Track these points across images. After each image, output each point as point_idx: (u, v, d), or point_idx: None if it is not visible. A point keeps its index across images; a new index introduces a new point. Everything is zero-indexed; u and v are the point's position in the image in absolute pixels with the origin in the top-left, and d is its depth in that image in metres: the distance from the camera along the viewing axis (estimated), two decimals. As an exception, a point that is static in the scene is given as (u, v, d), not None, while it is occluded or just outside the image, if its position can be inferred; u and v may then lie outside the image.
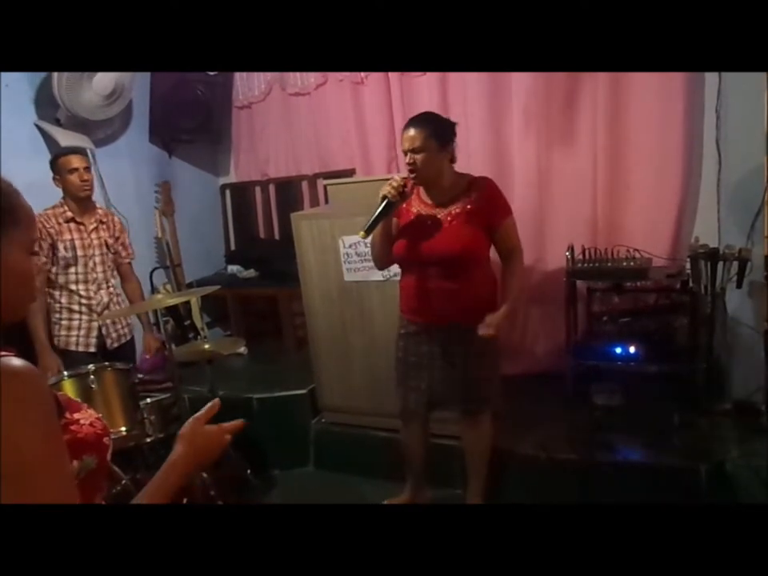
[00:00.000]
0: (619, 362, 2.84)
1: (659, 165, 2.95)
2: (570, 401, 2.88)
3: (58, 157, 2.75)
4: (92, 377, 2.27)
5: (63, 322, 2.76)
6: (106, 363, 2.46)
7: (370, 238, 2.16)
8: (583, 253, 2.92)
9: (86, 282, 2.77)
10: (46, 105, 3.25)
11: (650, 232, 2.99)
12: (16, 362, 0.78)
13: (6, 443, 0.72)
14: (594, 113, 3.04)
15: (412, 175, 2.06)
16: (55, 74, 3.08)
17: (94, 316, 2.78)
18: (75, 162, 2.70)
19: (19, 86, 3.17)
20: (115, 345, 2.86)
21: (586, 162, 3.11)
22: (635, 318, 2.96)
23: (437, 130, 2.05)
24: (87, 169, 2.74)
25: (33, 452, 0.74)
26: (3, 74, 3.06)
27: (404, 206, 2.17)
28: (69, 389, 2.25)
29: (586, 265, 2.87)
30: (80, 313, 2.77)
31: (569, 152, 3.13)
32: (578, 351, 2.92)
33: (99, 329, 2.81)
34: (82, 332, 2.78)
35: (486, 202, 2.12)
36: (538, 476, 2.51)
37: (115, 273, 2.92)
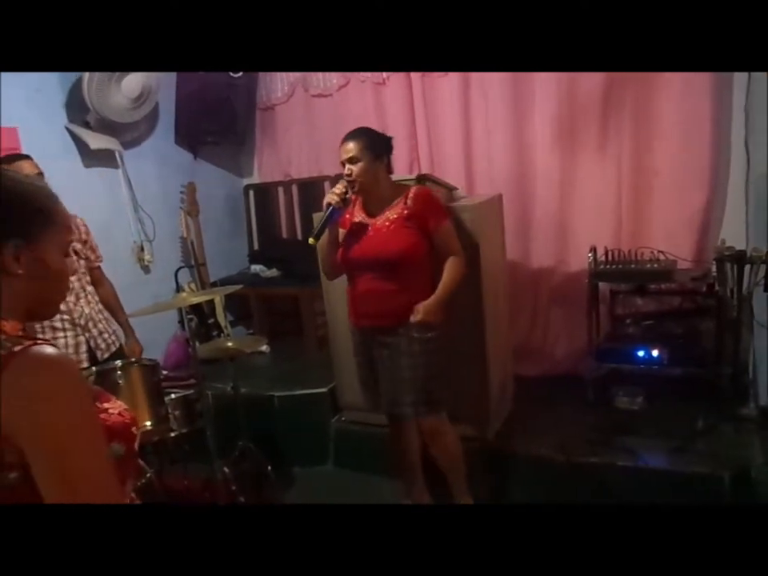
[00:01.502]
0: (642, 365, 2.82)
1: (686, 165, 2.91)
2: (591, 403, 2.86)
3: (7, 162, 2.40)
4: (119, 372, 2.32)
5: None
6: (133, 360, 2.50)
7: (318, 249, 2.31)
8: (606, 254, 2.89)
9: None
10: (76, 108, 3.33)
11: (675, 234, 2.95)
12: (50, 350, 0.83)
13: (45, 428, 0.77)
14: (619, 113, 3.01)
15: (350, 184, 2.17)
16: (85, 78, 3.15)
17: (78, 330, 2.56)
18: (27, 167, 2.41)
19: (51, 90, 3.26)
20: (106, 355, 2.65)
21: (611, 163, 3.08)
22: (659, 321, 2.93)
23: (371, 142, 2.16)
24: (41, 175, 2.41)
25: (71, 435, 0.78)
26: (35, 78, 3.14)
27: (347, 216, 2.28)
28: (96, 384, 2.30)
29: (608, 267, 2.85)
30: (63, 330, 2.52)
31: (592, 153, 3.11)
32: (600, 353, 2.90)
33: (87, 342, 2.59)
34: (71, 350, 2.54)
35: (422, 208, 2.17)
36: (557, 478, 2.50)
37: (87, 279, 2.66)
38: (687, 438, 2.50)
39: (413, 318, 2.11)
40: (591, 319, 2.91)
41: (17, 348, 0.80)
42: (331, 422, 3.17)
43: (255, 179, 4.41)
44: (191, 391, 2.60)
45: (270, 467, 2.79)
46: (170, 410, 2.46)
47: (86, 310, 2.59)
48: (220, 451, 2.48)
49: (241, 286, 2.84)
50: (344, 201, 2.18)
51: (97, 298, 2.70)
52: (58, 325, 2.50)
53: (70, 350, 2.54)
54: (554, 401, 3.02)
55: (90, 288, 2.66)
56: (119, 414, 0.93)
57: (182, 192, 3.89)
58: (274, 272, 4.07)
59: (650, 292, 2.92)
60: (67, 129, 3.35)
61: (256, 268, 4.14)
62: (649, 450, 2.50)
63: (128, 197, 3.61)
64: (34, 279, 0.88)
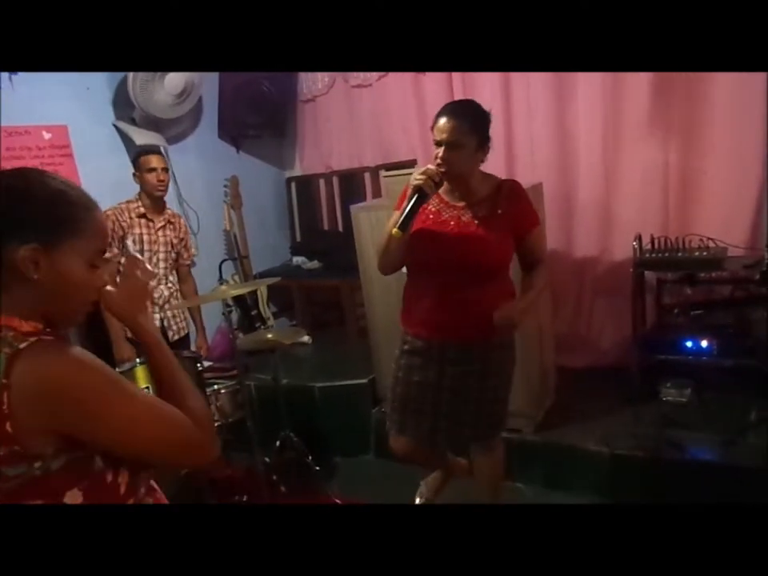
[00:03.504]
0: (690, 357, 2.72)
1: (738, 149, 2.77)
2: (636, 396, 2.78)
3: (140, 155, 2.89)
4: (162, 363, 2.39)
5: None
6: (174, 351, 2.58)
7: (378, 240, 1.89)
8: (652, 242, 2.80)
9: None
10: (122, 105, 3.43)
11: (725, 220, 2.83)
12: (60, 342, 0.85)
13: (81, 406, 0.81)
14: (667, 94, 2.89)
15: (442, 170, 1.76)
16: (130, 75, 3.24)
17: (156, 309, 2.90)
18: (154, 161, 2.84)
19: (99, 88, 3.36)
20: (176, 337, 2.98)
21: (657, 147, 2.97)
22: (708, 311, 2.81)
23: (478, 125, 1.78)
24: (165, 170, 2.86)
25: (105, 399, 0.84)
26: (84, 77, 3.25)
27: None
28: (140, 375, 2.38)
29: (655, 255, 2.75)
30: None
31: (638, 136, 3.00)
32: (646, 344, 2.81)
33: (161, 321, 2.93)
34: None
35: (516, 208, 1.86)
36: (599, 472, 2.45)
37: (174, 270, 3.02)
38: (738, 432, 2.41)
39: (498, 315, 1.77)
40: (637, 309, 2.82)
41: (23, 345, 0.81)
42: (372, 412, 3.19)
43: (297, 172, 4.45)
44: (234, 382, 2.67)
45: (310, 457, 2.83)
46: (213, 401, 2.53)
47: (166, 293, 2.94)
48: (262, 441, 2.53)
49: (279, 278, 2.88)
50: (436, 185, 1.76)
51: (177, 287, 3.02)
52: None
53: None
54: (598, 393, 2.95)
55: (172, 277, 3.00)
56: None
57: (225, 186, 3.96)
58: (315, 264, 4.11)
59: (699, 281, 2.80)
60: (114, 126, 3.46)
61: (298, 260, 4.19)
62: (697, 444, 2.41)
63: (173, 191, 3.70)
64: (51, 286, 0.87)
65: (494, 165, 3.27)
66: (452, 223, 1.85)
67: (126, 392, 0.87)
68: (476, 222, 1.83)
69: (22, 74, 2.96)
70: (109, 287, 1.01)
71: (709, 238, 2.69)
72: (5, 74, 2.93)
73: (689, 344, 2.71)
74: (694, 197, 2.94)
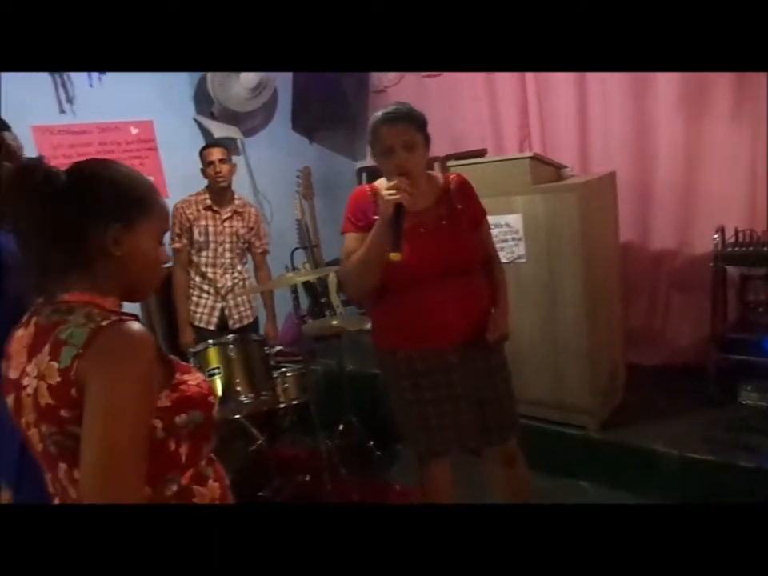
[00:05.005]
0: (774, 358, 2.54)
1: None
2: (712, 398, 2.64)
3: (202, 149, 2.99)
4: (231, 345, 2.51)
5: (193, 299, 3.01)
6: (242, 335, 2.70)
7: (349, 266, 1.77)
8: (736, 235, 2.64)
9: (214, 265, 2.99)
10: (202, 101, 3.61)
11: (821, 212, 2.62)
12: (135, 327, 0.91)
13: (102, 398, 0.85)
14: (754, 83, 2.70)
15: (402, 177, 1.65)
16: (209, 72, 3.39)
17: (219, 298, 3.00)
18: (213, 154, 2.90)
19: (181, 85, 3.55)
20: (237, 325, 3.05)
21: (745, 133, 2.78)
22: (797, 310, 2.62)
23: (423, 123, 1.74)
24: (223, 161, 2.90)
25: (119, 413, 0.84)
26: (167, 75, 3.43)
27: (372, 216, 1.75)
28: (213, 355, 2.51)
29: (738, 249, 2.59)
30: (207, 293, 3.00)
31: (723, 121, 2.82)
32: (726, 344, 2.66)
33: (222, 309, 3.02)
34: (206, 310, 3.01)
35: (471, 202, 1.85)
36: (667, 475, 2.35)
37: (244, 260, 3.10)
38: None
39: (494, 335, 1.78)
40: (717, 306, 2.67)
41: (105, 322, 0.89)
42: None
43: (368, 162, 4.49)
44: (300, 366, 2.76)
45: (371, 443, 2.89)
46: (279, 383, 2.63)
47: (229, 284, 3.04)
48: (325, 424, 2.61)
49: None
50: (410, 195, 1.65)
51: (245, 276, 3.13)
52: (205, 287, 3.01)
53: (206, 311, 3.03)
54: (671, 392, 2.82)
55: (240, 267, 3.09)
56: (197, 385, 1.00)
57: (297, 176, 4.08)
58: (384, 253, 4.14)
59: (789, 277, 2.61)
60: (195, 120, 3.63)
61: (366, 249, 4.24)
62: (777, 452, 2.27)
63: (249, 182, 3.85)
64: (129, 262, 0.96)
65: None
66: (421, 230, 1.75)
67: (136, 414, 0.86)
68: (443, 221, 1.78)
69: (110, 74, 3.18)
70: None
71: (799, 232, 2.50)
72: (95, 74, 3.15)
73: (773, 344, 2.54)
74: (785, 187, 2.74)
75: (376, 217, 1.69)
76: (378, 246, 1.65)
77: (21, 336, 0.97)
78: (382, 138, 1.69)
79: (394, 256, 1.58)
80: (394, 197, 1.61)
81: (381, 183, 1.80)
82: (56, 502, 0.98)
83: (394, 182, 1.64)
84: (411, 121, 1.70)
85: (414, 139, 1.69)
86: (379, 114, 1.74)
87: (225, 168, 2.92)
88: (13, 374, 0.96)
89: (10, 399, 0.97)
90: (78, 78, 3.14)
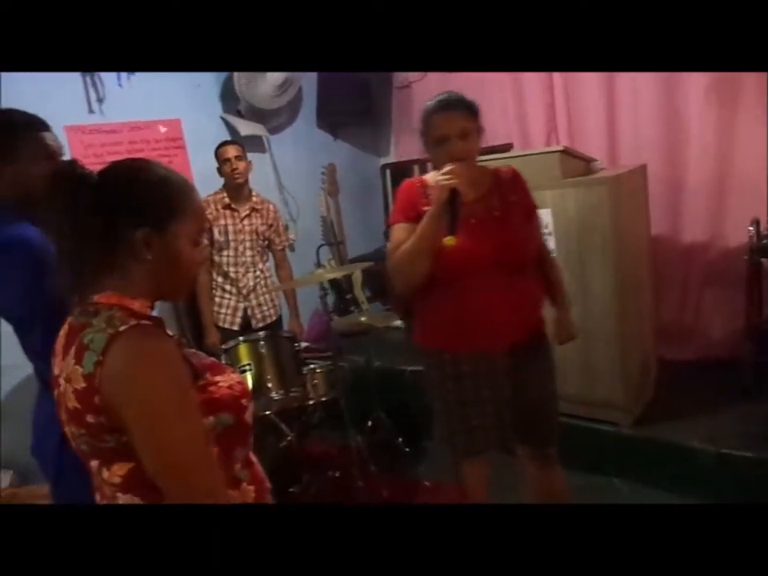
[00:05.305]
0: (813, 353, 2.49)
1: None
2: (748, 393, 2.58)
3: (217, 148, 2.96)
4: (262, 342, 2.53)
5: (216, 299, 2.99)
6: (272, 331, 2.71)
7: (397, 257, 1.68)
8: (771, 227, 2.58)
9: (235, 264, 2.97)
10: (229, 99, 3.63)
11: None
12: (152, 329, 0.91)
13: (141, 404, 0.85)
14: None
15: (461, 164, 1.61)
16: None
17: (241, 298, 2.98)
18: (228, 152, 2.88)
19: (208, 84, 3.58)
20: (260, 324, 3.03)
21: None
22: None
23: (476, 111, 1.69)
24: (239, 158, 2.89)
25: (163, 409, 0.85)
26: (194, 75, 3.46)
27: (422, 207, 1.70)
28: (243, 351, 2.54)
29: (774, 241, 2.54)
30: (230, 293, 2.98)
31: (757, 110, 2.75)
32: (762, 338, 2.61)
33: (245, 309, 3.00)
34: (229, 311, 2.99)
35: (523, 193, 1.77)
36: (702, 471, 2.31)
37: (264, 258, 3.08)
38: None
39: (562, 338, 1.80)
40: (752, 299, 2.62)
41: (122, 327, 0.87)
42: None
43: (392, 158, 4.49)
44: (329, 362, 2.77)
45: (400, 439, 2.88)
46: (308, 380, 2.64)
47: (251, 283, 3.01)
48: (354, 421, 2.62)
49: (370, 263, 2.94)
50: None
51: (266, 274, 3.10)
52: (228, 287, 2.99)
53: (229, 311, 3.00)
54: (705, 388, 2.77)
55: (261, 266, 3.07)
56: (229, 387, 0.97)
57: (322, 173, 4.09)
58: (409, 249, 4.13)
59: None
60: (222, 118, 3.66)
61: (392, 245, 4.24)
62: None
63: (274, 179, 3.87)
64: (161, 265, 0.94)
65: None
66: (472, 221, 1.66)
67: (182, 412, 0.87)
68: (495, 213, 1.70)
69: (139, 74, 3.21)
70: None
71: (839, 223, 2.44)
72: (124, 74, 3.19)
73: (811, 338, 2.48)
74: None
75: (425, 208, 1.65)
76: (430, 233, 1.60)
77: (61, 334, 0.98)
78: (437, 125, 1.65)
79: (449, 240, 1.53)
80: (450, 182, 1.57)
81: (430, 176, 1.78)
82: (97, 494, 0.98)
83: (447, 168, 1.60)
84: (465, 108, 1.66)
85: (469, 127, 1.64)
86: (432, 102, 1.70)
87: (241, 165, 2.90)
88: (56, 370, 0.97)
89: (55, 394, 0.98)
90: (108, 78, 3.18)
